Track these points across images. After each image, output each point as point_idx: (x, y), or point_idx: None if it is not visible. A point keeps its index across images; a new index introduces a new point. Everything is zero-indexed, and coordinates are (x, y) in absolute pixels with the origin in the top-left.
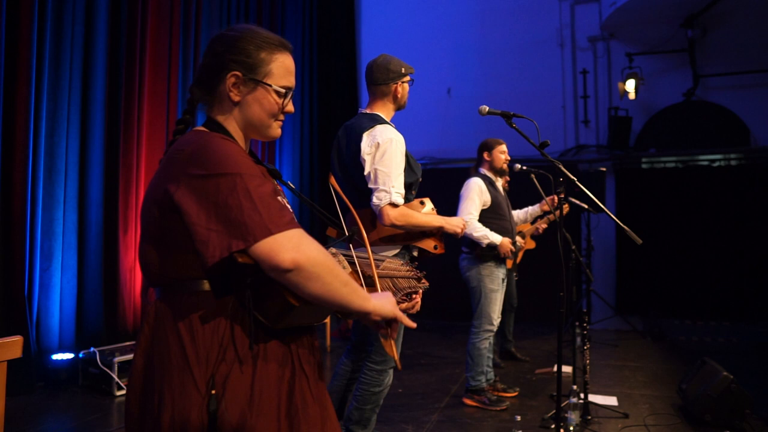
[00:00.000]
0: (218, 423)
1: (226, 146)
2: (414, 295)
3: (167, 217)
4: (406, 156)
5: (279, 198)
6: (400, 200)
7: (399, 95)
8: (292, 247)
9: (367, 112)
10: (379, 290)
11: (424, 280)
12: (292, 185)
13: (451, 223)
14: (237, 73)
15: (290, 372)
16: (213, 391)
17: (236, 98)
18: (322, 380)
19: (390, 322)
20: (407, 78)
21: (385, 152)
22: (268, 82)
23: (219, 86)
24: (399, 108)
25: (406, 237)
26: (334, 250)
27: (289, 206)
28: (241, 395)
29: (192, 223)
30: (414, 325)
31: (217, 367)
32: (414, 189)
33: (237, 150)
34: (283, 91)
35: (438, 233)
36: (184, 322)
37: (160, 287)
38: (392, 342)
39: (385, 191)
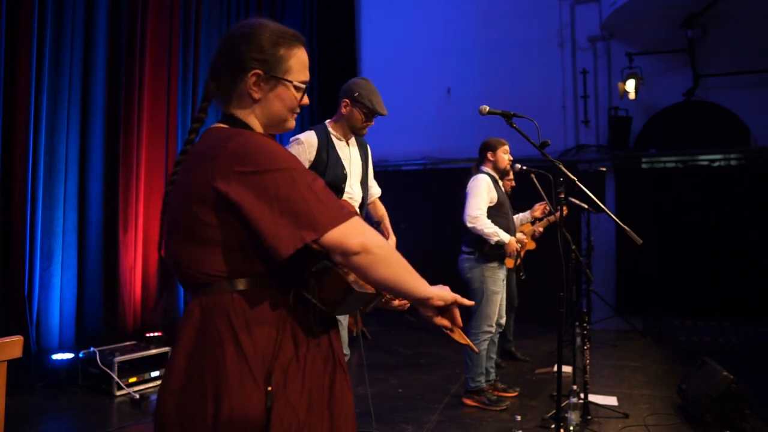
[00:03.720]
0: (273, 418)
1: (268, 142)
2: None
3: (219, 216)
4: (324, 160)
5: None
6: None
7: (344, 113)
8: (359, 233)
9: (326, 121)
10: None
11: None
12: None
13: None
14: (258, 71)
15: (332, 365)
16: (269, 388)
17: (257, 96)
18: (349, 373)
19: (448, 310)
20: (359, 106)
21: (287, 147)
22: (289, 78)
23: (239, 84)
24: (352, 131)
25: None
26: None
27: None
28: (295, 390)
29: (255, 218)
30: (472, 303)
31: (273, 363)
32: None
33: (279, 146)
34: (302, 86)
35: None
36: (238, 318)
37: (203, 286)
38: (458, 330)
39: None
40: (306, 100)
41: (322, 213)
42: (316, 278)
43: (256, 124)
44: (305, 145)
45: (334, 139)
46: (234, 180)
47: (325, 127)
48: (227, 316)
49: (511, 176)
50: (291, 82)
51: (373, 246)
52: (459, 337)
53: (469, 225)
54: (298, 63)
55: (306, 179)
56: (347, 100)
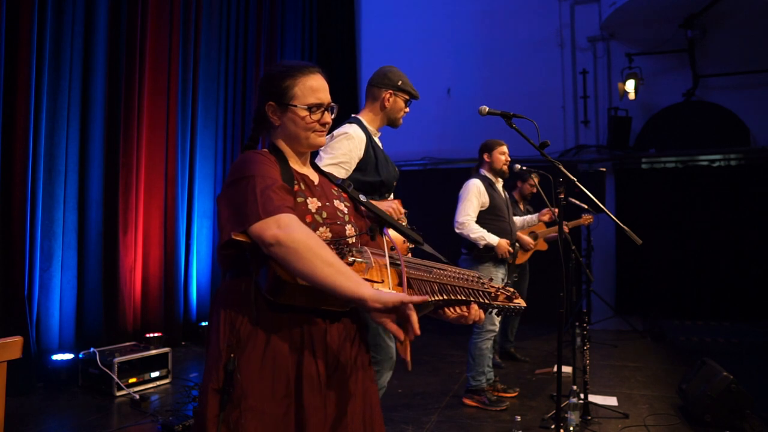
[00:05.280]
0: (233, 381)
1: (253, 157)
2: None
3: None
4: (372, 156)
5: (284, 193)
6: None
7: (387, 105)
8: (276, 227)
9: (353, 115)
10: (413, 290)
11: (518, 299)
12: (356, 194)
13: None
14: (271, 103)
15: (300, 346)
16: (232, 355)
17: (276, 122)
18: (340, 370)
19: (402, 320)
20: (402, 94)
21: (333, 142)
22: (294, 103)
23: (265, 116)
24: (390, 122)
25: None
26: (366, 247)
27: (308, 204)
28: (252, 361)
29: (220, 218)
30: (425, 298)
31: (236, 335)
32: (381, 191)
33: (259, 159)
34: (306, 108)
35: None
36: (224, 299)
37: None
38: (407, 342)
39: None
40: (327, 118)
41: (251, 210)
42: (260, 269)
43: (283, 146)
44: (356, 141)
45: (372, 135)
46: (223, 190)
47: (361, 122)
48: (221, 297)
49: (535, 181)
50: (296, 106)
51: (285, 239)
52: (401, 348)
53: (457, 231)
54: (304, 89)
55: (256, 183)
56: (390, 91)
